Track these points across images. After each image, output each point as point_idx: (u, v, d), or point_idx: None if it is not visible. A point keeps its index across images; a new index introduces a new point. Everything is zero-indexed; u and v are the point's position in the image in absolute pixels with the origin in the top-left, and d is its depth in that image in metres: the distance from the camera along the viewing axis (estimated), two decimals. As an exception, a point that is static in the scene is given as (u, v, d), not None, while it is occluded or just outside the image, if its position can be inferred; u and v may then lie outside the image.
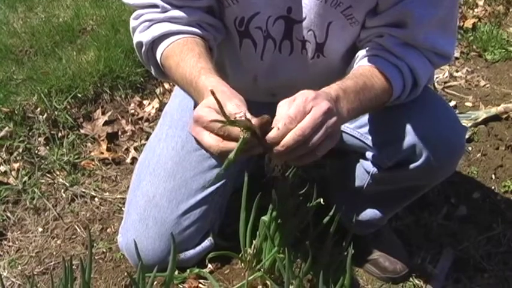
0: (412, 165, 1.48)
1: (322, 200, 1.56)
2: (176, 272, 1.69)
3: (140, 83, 2.56)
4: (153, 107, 2.47)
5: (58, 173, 2.17)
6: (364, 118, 1.59)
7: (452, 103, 2.60)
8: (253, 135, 1.07)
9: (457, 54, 2.95)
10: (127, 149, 2.30)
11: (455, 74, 2.84)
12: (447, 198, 2.12)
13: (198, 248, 1.76)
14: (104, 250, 1.89)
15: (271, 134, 1.09)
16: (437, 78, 2.74)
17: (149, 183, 1.71)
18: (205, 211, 1.73)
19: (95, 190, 2.11)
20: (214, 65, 1.32)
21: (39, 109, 2.34)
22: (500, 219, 2.04)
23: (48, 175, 2.15)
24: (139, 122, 2.42)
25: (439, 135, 1.43)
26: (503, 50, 2.98)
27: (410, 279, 1.83)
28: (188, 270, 1.73)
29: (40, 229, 1.96)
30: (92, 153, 2.26)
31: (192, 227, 1.71)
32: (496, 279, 1.85)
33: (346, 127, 1.64)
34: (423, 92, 1.44)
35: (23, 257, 1.87)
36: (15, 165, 2.15)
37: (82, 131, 2.33)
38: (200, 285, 1.75)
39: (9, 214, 2.00)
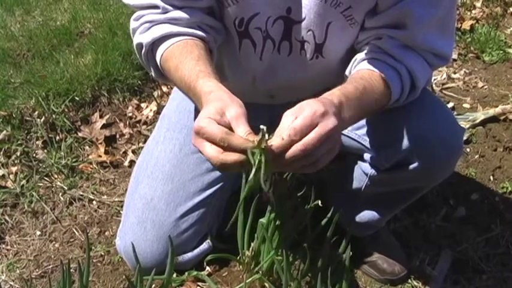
0: (410, 167, 1.48)
1: (320, 202, 1.56)
2: (174, 275, 1.69)
3: (138, 86, 2.57)
4: (151, 110, 2.47)
5: (56, 176, 2.16)
6: (362, 120, 1.59)
7: (450, 105, 2.60)
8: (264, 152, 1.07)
9: (454, 55, 2.95)
10: (125, 152, 2.30)
11: (453, 75, 2.84)
12: (446, 200, 2.11)
13: (196, 251, 1.76)
14: (102, 253, 1.88)
15: (275, 144, 1.08)
16: (435, 79, 2.74)
17: (147, 186, 1.71)
18: (203, 214, 1.73)
19: (93, 193, 2.11)
20: (214, 66, 1.32)
21: (37, 112, 2.34)
22: (498, 220, 2.04)
23: (46, 178, 2.15)
24: (137, 125, 2.42)
25: (437, 136, 1.43)
26: (501, 52, 2.98)
27: (409, 281, 1.83)
28: (186, 273, 1.73)
29: (38, 232, 1.96)
30: (90, 157, 2.26)
31: (190, 230, 1.71)
32: (495, 281, 1.85)
33: (344, 129, 1.64)
34: (421, 93, 1.44)
35: (21, 261, 1.87)
36: (13, 169, 2.15)
37: (80, 134, 2.33)
38: (198, 287, 1.75)
39: (7, 217, 1.99)
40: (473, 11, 3.34)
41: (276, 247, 1.57)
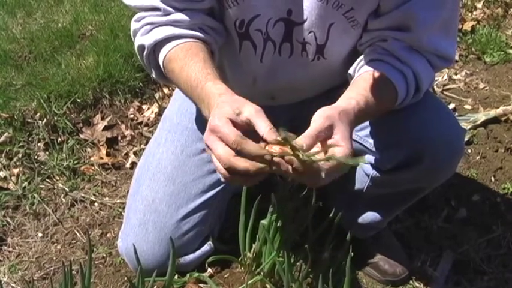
0: (411, 168, 1.48)
1: (321, 203, 1.56)
2: (176, 277, 1.70)
3: (139, 87, 2.57)
4: (152, 112, 2.47)
5: (58, 178, 2.17)
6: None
7: (451, 106, 2.60)
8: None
9: (456, 57, 2.94)
10: (126, 154, 2.31)
11: (454, 76, 2.84)
12: (447, 201, 2.11)
13: (198, 252, 1.76)
14: (104, 255, 1.89)
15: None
16: (436, 81, 2.74)
17: (149, 187, 1.71)
18: (205, 215, 1.73)
19: (94, 195, 2.11)
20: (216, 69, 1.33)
21: (38, 114, 2.35)
22: (500, 221, 2.04)
23: (47, 180, 2.15)
24: (139, 126, 2.43)
25: (438, 137, 1.43)
26: (502, 53, 2.98)
27: (411, 282, 1.83)
28: (188, 275, 1.73)
29: (40, 234, 1.96)
30: (92, 158, 2.26)
31: (192, 232, 1.71)
32: (496, 282, 1.85)
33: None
34: (423, 95, 1.44)
35: (23, 262, 1.87)
36: (15, 171, 2.15)
37: (81, 136, 2.34)
38: (200, 289, 1.75)
39: (9, 219, 2.00)
40: (474, 12, 3.34)
41: (277, 248, 1.57)
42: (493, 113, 2.50)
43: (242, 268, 1.74)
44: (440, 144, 1.43)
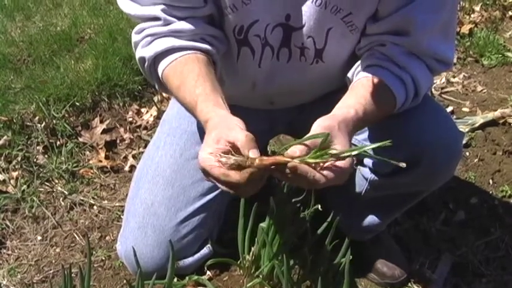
0: (409, 172, 1.47)
1: (320, 206, 1.57)
2: (175, 279, 1.70)
3: (138, 91, 2.57)
4: (151, 115, 2.47)
5: (57, 181, 2.17)
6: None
7: (449, 108, 2.61)
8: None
9: (454, 59, 2.95)
10: (125, 157, 2.31)
11: (452, 79, 2.85)
12: (445, 204, 2.12)
13: (197, 256, 1.76)
14: (103, 258, 1.89)
15: (291, 153, 1.12)
16: (434, 83, 2.75)
17: (148, 191, 1.71)
18: (204, 219, 1.73)
19: (93, 198, 2.11)
20: (216, 78, 1.33)
21: (37, 118, 2.35)
22: (498, 224, 2.05)
23: (46, 183, 2.15)
24: (138, 130, 2.43)
25: (436, 140, 1.43)
26: (500, 55, 2.99)
27: (409, 284, 1.83)
28: (187, 278, 1.73)
29: (39, 237, 1.97)
30: (91, 162, 2.26)
31: (191, 235, 1.71)
32: (495, 284, 1.85)
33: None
34: (421, 98, 1.45)
35: (22, 266, 1.87)
36: (14, 174, 2.15)
37: (80, 139, 2.34)
38: (199, 292, 1.76)
39: (8, 222, 2.00)
40: (472, 15, 3.35)
41: (276, 251, 1.57)
42: (491, 115, 2.51)
43: (241, 271, 1.74)
44: (438, 148, 1.43)
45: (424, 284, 1.84)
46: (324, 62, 1.48)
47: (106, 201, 2.11)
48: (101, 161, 2.26)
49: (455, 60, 2.95)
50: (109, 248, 1.92)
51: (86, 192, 2.14)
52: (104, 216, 2.05)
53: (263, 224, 1.57)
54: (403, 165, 1.17)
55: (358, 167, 1.65)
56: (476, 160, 2.32)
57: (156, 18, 1.37)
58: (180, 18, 1.37)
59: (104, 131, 2.38)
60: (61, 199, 2.10)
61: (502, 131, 2.47)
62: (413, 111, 1.44)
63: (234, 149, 1.11)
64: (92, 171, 2.23)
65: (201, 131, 1.70)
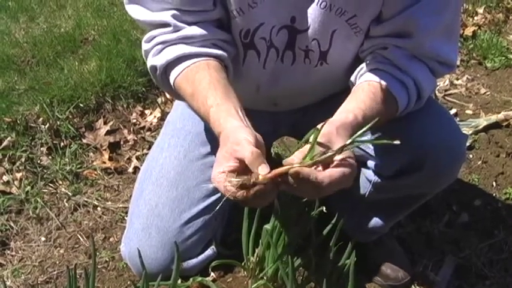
0: (413, 174, 1.48)
1: (324, 208, 1.57)
2: (179, 281, 1.70)
3: (142, 92, 2.58)
4: (154, 117, 2.48)
5: (60, 182, 2.17)
6: (365, 127, 1.59)
7: (452, 111, 2.61)
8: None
9: (457, 62, 2.95)
10: (129, 159, 2.31)
11: (455, 81, 2.85)
12: (449, 206, 2.12)
13: (201, 257, 1.76)
14: (107, 259, 1.89)
15: (290, 161, 1.13)
16: (437, 86, 2.74)
17: (152, 192, 1.72)
18: (208, 220, 1.73)
19: (97, 199, 2.11)
20: (227, 83, 1.33)
21: (41, 119, 2.36)
22: (501, 226, 2.05)
23: (50, 185, 2.16)
24: (141, 131, 2.44)
25: (440, 143, 1.43)
26: (503, 58, 2.99)
27: (412, 286, 1.83)
28: (191, 279, 1.73)
29: (43, 238, 1.97)
30: (94, 163, 2.27)
31: (195, 236, 1.71)
32: (498, 286, 1.85)
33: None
34: (424, 100, 1.45)
35: (26, 266, 1.87)
36: (18, 175, 2.16)
37: (84, 141, 2.35)
38: (203, 293, 1.76)
39: (12, 224, 2.00)
40: (475, 18, 3.35)
41: (280, 253, 1.58)
42: (494, 118, 2.51)
43: (245, 272, 1.74)
44: (441, 150, 1.43)
45: (428, 286, 1.84)
46: (328, 64, 1.48)
47: (110, 203, 2.11)
48: (104, 163, 2.27)
49: (458, 63, 2.96)
50: (113, 249, 1.93)
51: (89, 193, 2.15)
52: (108, 218, 2.05)
53: (267, 226, 1.57)
54: (397, 142, 1.16)
55: (362, 169, 1.65)
56: (479, 162, 2.32)
57: (166, 25, 1.36)
58: (190, 24, 1.36)
59: (108, 133, 2.39)
60: (65, 200, 2.10)
61: (506, 133, 2.47)
62: (416, 113, 1.44)
63: (243, 165, 1.11)
64: (95, 172, 2.23)
65: (206, 132, 1.70)
